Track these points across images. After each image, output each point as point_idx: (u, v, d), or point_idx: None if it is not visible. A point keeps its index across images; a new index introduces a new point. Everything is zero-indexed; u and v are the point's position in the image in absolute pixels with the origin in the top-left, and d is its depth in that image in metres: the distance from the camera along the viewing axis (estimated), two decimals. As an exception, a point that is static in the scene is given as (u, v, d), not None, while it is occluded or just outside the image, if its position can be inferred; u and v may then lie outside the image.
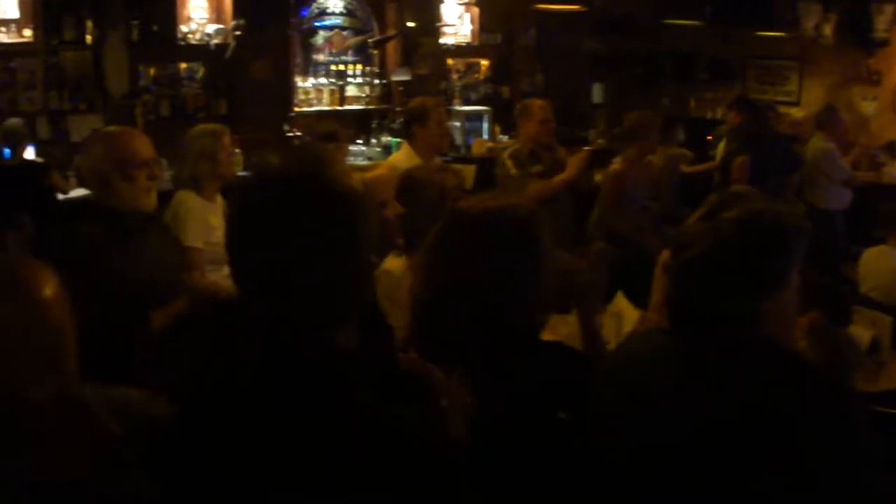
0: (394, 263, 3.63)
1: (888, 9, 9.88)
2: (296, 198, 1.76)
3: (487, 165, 7.08)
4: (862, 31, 10.18)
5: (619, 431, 2.21)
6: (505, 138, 9.36)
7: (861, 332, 4.93)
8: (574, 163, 6.60)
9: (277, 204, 1.75)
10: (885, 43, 10.34)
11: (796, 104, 11.09)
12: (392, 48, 10.01)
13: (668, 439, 2.07)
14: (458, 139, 9.56)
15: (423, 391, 2.13)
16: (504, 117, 8.34)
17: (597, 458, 2.26)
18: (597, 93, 11.53)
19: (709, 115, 11.27)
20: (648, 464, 2.11)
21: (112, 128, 4.15)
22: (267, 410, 1.74)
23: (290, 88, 9.28)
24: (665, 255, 3.02)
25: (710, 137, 9.95)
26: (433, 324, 2.44)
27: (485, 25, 9.82)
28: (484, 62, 10.86)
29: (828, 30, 10.17)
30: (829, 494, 1.98)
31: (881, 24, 9.95)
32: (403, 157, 6.10)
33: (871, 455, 2.04)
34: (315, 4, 9.55)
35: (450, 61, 10.57)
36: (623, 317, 4.02)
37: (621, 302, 4.20)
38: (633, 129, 7.12)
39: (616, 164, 7.09)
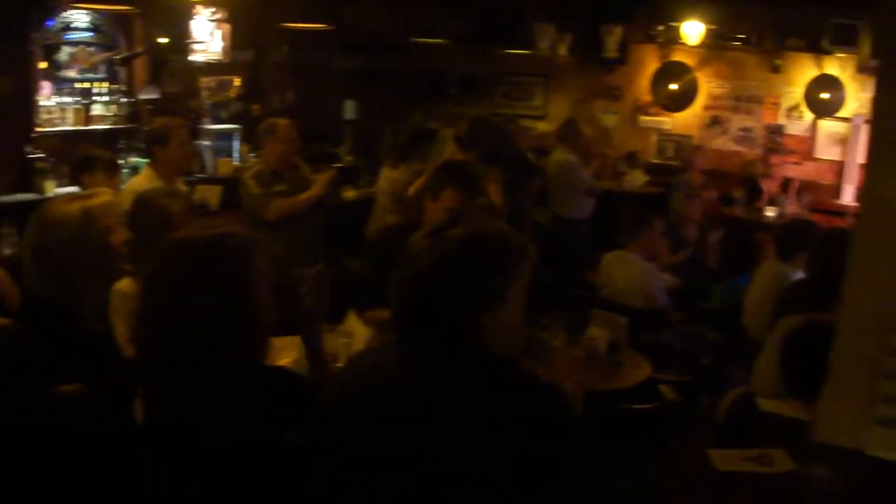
0: (124, 283, 3.58)
1: (617, 30, 10.44)
2: None
3: (234, 186, 6.98)
4: (595, 51, 10.72)
5: (350, 447, 2.24)
6: (253, 157, 9.25)
7: (600, 334, 5.17)
8: (321, 181, 6.64)
9: None
10: (619, 62, 10.96)
11: (542, 118, 11.55)
12: (140, 65, 9.69)
13: (397, 451, 2.12)
14: (209, 159, 9.39)
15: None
16: (255, 136, 8.29)
17: (330, 477, 2.29)
18: (349, 110, 11.58)
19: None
20: (380, 479, 2.14)
21: None
22: None
23: (32, 107, 8.81)
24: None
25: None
26: (154, 352, 2.43)
27: (236, 42, 9.65)
28: (236, 79, 10.72)
29: (563, 49, 10.65)
30: (559, 495, 2.07)
31: (611, 44, 10.54)
32: (144, 179, 5.97)
33: (593, 453, 2.20)
34: (60, 19, 9.15)
35: (202, 79, 10.38)
36: (354, 335, 4.07)
37: (353, 321, 4.25)
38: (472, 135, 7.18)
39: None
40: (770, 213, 9.39)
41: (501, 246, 2.21)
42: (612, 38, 10.40)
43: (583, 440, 2.17)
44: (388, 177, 7.48)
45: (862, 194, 2.41)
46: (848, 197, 9.83)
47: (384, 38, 11.20)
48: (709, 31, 10.36)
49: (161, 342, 2.40)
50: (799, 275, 6.00)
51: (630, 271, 6.59)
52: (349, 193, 8.94)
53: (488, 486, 2.02)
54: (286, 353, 3.77)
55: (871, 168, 2.41)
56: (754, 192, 9.96)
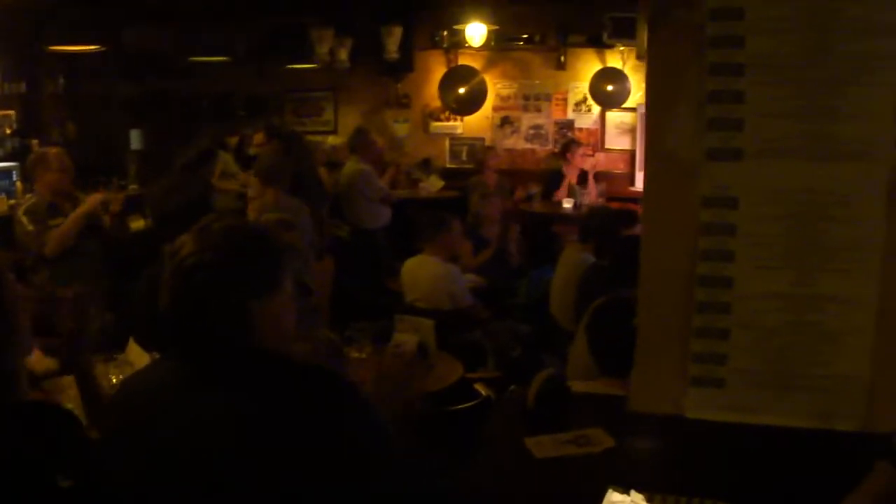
0: None
1: (397, 31, 10.26)
2: None
3: (7, 224, 6.50)
4: (376, 54, 10.46)
5: (131, 464, 2.05)
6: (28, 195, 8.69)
7: (407, 339, 5.03)
8: (91, 198, 6.30)
9: None
10: (403, 66, 10.83)
11: (334, 132, 11.36)
12: None
13: (178, 458, 1.97)
14: (-13, 200, 8.77)
15: None
16: (25, 170, 7.75)
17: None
18: (134, 139, 11.11)
19: (251, 152, 11.16)
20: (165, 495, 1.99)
21: None
22: None
23: None
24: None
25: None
26: None
27: (6, 73, 9.10)
28: (11, 114, 10.07)
29: (343, 55, 10.39)
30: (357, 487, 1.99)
31: (392, 45, 10.30)
32: None
33: (391, 445, 2.11)
34: None
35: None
36: (135, 365, 3.79)
37: (133, 349, 3.99)
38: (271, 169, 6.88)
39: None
40: (567, 204, 9.48)
41: (262, 234, 2.23)
42: (392, 39, 10.21)
43: (375, 431, 2.09)
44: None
45: (646, 154, 2.31)
46: (641, 183, 9.99)
47: (164, 59, 10.77)
48: (492, 33, 10.41)
49: None
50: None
51: (432, 274, 6.46)
52: (137, 223, 8.50)
53: (273, 485, 1.91)
54: (70, 392, 3.49)
55: (653, 125, 2.32)
56: (552, 187, 10.02)
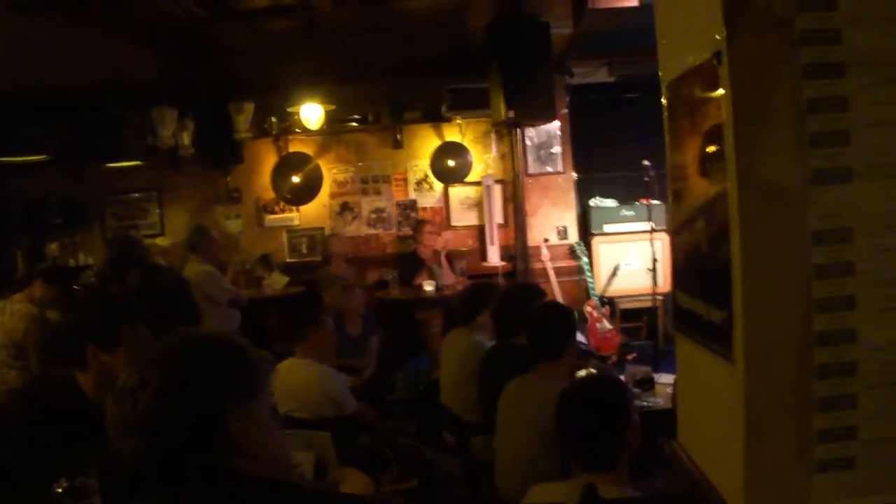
0: None
1: (248, 107, 9.65)
2: None
3: None
4: (224, 134, 9.75)
5: None
6: None
7: (302, 458, 4.36)
8: None
9: None
10: (233, 160, 10.25)
11: (161, 234, 10.56)
12: None
13: None
14: None
15: None
16: None
17: None
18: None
19: (71, 262, 10.23)
20: None
21: None
22: None
23: None
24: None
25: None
26: None
27: None
28: None
29: (186, 139, 9.66)
30: None
31: (242, 124, 9.66)
32: None
33: None
34: None
35: None
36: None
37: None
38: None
39: None
40: (429, 287, 8.96)
41: (225, 341, 1.88)
42: (243, 117, 9.55)
43: None
44: (2, 326, 6.26)
45: (739, 188, 1.81)
46: (494, 258, 9.71)
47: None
48: (325, 115, 9.88)
49: None
50: (486, 338, 5.70)
51: (309, 379, 5.76)
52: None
53: None
54: None
55: (743, 149, 1.84)
56: (408, 271, 9.52)
